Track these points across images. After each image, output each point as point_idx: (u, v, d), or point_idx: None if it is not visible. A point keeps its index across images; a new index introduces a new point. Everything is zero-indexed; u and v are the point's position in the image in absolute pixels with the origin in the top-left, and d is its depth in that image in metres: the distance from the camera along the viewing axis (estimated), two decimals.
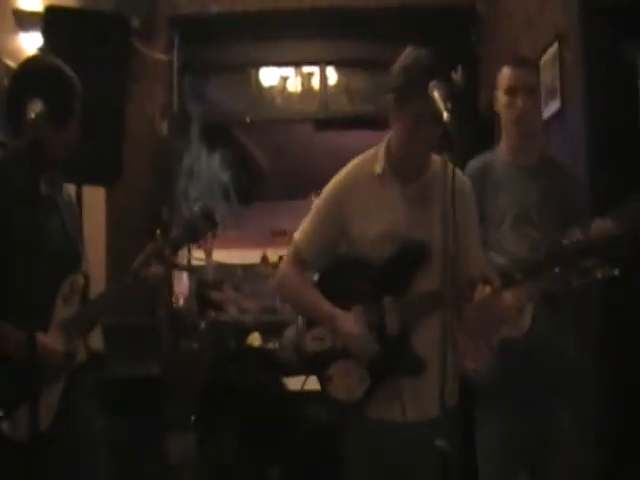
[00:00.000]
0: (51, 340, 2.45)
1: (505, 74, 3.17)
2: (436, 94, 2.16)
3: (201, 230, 2.65)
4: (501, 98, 3.17)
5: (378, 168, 2.54)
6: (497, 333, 2.68)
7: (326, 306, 2.51)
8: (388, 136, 2.58)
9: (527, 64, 3.26)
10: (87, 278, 2.66)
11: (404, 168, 2.53)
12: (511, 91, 3.13)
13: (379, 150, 2.59)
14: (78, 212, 2.97)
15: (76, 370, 2.55)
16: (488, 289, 2.32)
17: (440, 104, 2.13)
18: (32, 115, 2.22)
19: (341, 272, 2.57)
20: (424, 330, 2.45)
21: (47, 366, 2.38)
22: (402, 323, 2.44)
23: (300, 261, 2.61)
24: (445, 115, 2.08)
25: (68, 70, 2.59)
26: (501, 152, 3.20)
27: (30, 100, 2.26)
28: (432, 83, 2.21)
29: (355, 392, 2.47)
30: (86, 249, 2.73)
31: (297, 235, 2.64)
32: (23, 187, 2.39)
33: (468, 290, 2.34)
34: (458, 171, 2.49)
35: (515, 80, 3.14)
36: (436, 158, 2.53)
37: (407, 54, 2.46)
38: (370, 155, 2.61)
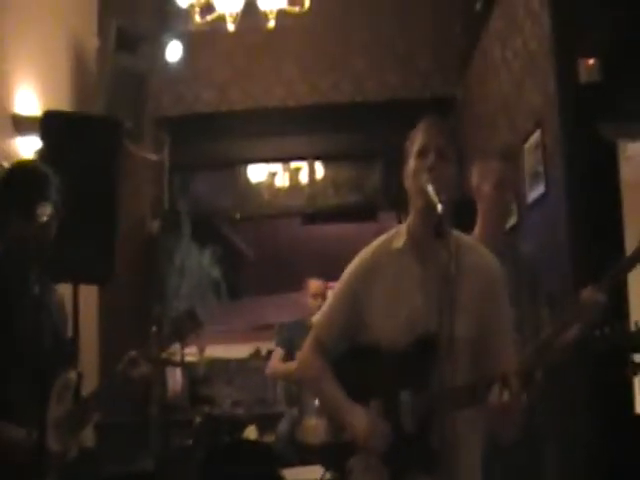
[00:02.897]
0: (48, 441, 2.44)
1: (494, 168, 3.21)
2: (430, 188, 2.18)
3: (186, 330, 2.79)
4: (488, 191, 3.19)
5: (399, 242, 2.39)
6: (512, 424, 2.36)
7: (341, 398, 2.41)
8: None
9: (512, 158, 3.33)
10: (80, 376, 2.71)
11: (423, 246, 2.37)
12: (500, 185, 3.17)
13: (401, 227, 2.46)
14: (68, 312, 3.01)
15: (66, 466, 2.56)
16: (506, 395, 2.13)
17: (434, 197, 2.15)
18: (44, 218, 2.35)
19: (358, 362, 2.45)
20: (442, 425, 2.26)
21: (43, 466, 2.39)
22: (419, 420, 2.30)
23: (319, 345, 2.52)
24: (439, 207, 2.12)
25: (45, 169, 2.66)
26: (476, 239, 3.22)
27: (39, 204, 2.40)
28: (424, 177, 2.22)
29: None
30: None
31: (317, 318, 2.58)
32: (15, 287, 2.51)
33: (485, 390, 2.18)
34: (490, 255, 2.42)
35: (504, 174, 3.19)
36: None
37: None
38: (391, 234, 2.47)
